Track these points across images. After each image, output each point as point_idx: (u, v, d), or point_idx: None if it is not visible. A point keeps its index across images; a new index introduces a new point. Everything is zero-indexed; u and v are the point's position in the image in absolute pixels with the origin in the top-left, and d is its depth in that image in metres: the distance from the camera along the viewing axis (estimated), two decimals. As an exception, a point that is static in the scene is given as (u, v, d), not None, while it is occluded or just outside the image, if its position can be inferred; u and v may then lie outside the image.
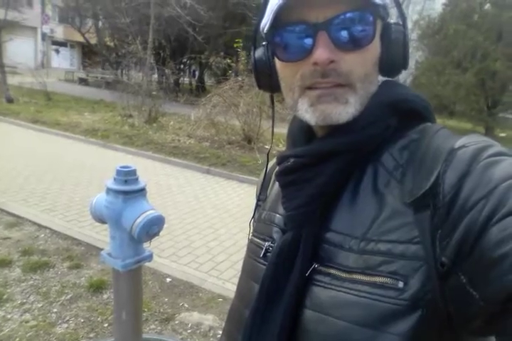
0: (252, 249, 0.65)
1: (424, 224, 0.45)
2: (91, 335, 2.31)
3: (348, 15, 0.49)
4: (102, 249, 3.60)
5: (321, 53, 0.49)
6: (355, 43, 0.50)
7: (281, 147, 8.25)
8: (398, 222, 0.47)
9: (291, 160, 0.57)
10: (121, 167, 1.38)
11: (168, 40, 15.04)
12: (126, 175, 1.37)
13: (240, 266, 2.64)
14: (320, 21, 0.49)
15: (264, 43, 0.60)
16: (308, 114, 0.54)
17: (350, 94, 0.52)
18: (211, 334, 2.43)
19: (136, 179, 1.41)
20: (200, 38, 13.66)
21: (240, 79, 7.89)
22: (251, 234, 0.69)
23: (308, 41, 0.50)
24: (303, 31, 0.51)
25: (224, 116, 7.67)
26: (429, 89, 13.63)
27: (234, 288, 2.62)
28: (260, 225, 0.67)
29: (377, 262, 0.47)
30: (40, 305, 2.53)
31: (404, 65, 0.56)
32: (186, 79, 20.86)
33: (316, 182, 0.54)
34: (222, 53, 19.80)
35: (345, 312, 0.47)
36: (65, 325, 2.38)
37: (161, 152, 6.98)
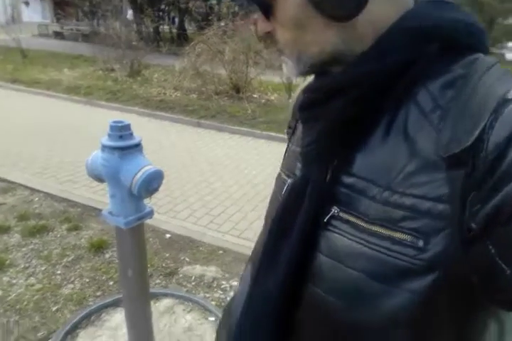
0: (278, 184, 0.64)
1: (456, 182, 0.40)
2: (98, 294, 2.37)
3: None
4: (99, 209, 3.60)
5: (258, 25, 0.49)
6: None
7: (270, 95, 8.04)
8: (428, 175, 0.42)
9: (306, 95, 0.53)
10: (114, 122, 1.32)
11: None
12: (121, 130, 1.31)
13: (236, 218, 2.66)
14: None
15: None
16: None
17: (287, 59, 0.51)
18: (215, 285, 2.50)
19: (131, 134, 1.35)
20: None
21: (222, 24, 7.47)
22: (280, 168, 0.67)
23: None
24: None
25: (210, 64, 7.35)
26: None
27: (233, 240, 2.64)
28: (287, 160, 0.65)
29: (399, 216, 0.43)
30: (43, 269, 2.56)
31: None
32: (166, 28, 19.79)
33: (325, 119, 0.50)
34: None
35: (360, 264, 0.46)
36: (71, 286, 2.42)
37: (147, 106, 6.77)
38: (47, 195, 3.60)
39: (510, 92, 0.39)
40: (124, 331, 1.81)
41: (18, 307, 2.20)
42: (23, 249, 2.76)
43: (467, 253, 0.40)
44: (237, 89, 7.48)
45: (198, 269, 2.64)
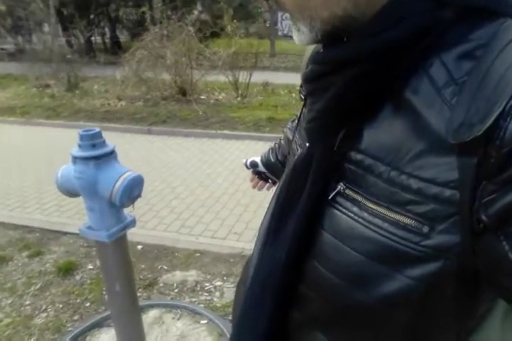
0: (290, 159, 0.62)
1: (468, 170, 0.36)
2: (75, 317, 2.21)
3: None
4: (57, 232, 3.38)
5: None
6: None
7: (217, 95, 7.97)
8: (437, 158, 0.39)
9: (311, 66, 0.50)
10: (84, 131, 1.24)
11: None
12: (93, 139, 1.23)
13: (206, 220, 2.58)
14: None
15: None
16: None
17: (299, 24, 0.48)
18: (198, 288, 2.41)
19: (104, 141, 1.27)
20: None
21: (157, 29, 7.27)
22: (293, 144, 0.65)
23: None
24: None
25: (152, 70, 7.15)
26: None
27: (208, 241, 2.55)
28: (300, 129, 0.61)
29: (405, 199, 0.41)
30: (9, 302, 2.36)
31: None
32: (98, 38, 19.12)
33: (328, 94, 0.46)
34: (130, 3, 18.20)
35: (362, 246, 0.45)
36: (44, 314, 2.24)
37: (93, 119, 6.45)
38: (-1, 223, 3.33)
39: None
40: (113, 351, 1.69)
41: (-12, 346, 2.01)
42: (-18, 284, 2.53)
43: (475, 244, 0.38)
44: (184, 93, 7.34)
45: (178, 275, 2.54)
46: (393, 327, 0.47)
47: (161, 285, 2.46)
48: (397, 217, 0.42)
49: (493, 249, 0.37)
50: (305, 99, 0.61)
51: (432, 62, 0.40)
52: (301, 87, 0.67)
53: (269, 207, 0.63)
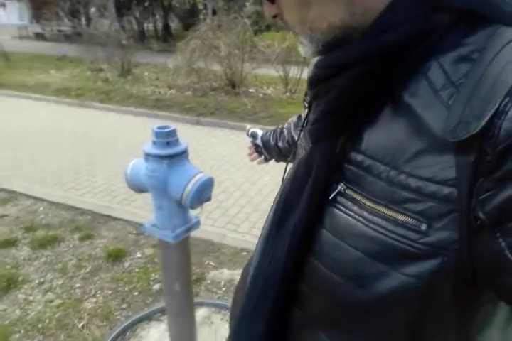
0: (296, 156, 0.65)
1: (464, 168, 0.38)
2: (123, 306, 2.22)
3: None
4: (107, 216, 3.42)
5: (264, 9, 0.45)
6: None
7: (266, 89, 7.89)
8: (435, 156, 0.40)
9: (314, 70, 0.51)
10: (159, 128, 1.19)
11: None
12: (168, 137, 1.19)
13: (254, 217, 2.50)
14: None
15: None
16: None
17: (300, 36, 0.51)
18: (246, 291, 2.37)
19: (178, 140, 1.22)
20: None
21: (208, 21, 7.24)
22: (298, 146, 0.67)
23: None
24: None
25: (204, 60, 7.16)
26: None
27: (254, 240, 2.47)
28: (305, 133, 0.63)
29: (403, 198, 0.42)
30: (60, 283, 2.41)
31: None
32: (150, 25, 19.45)
33: (329, 97, 0.48)
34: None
35: (362, 244, 0.46)
36: (93, 299, 2.27)
37: (143, 106, 6.55)
38: (51, 203, 3.41)
39: None
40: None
41: (40, 326, 2.04)
42: (35, 263, 2.59)
43: (472, 242, 0.39)
44: (233, 85, 7.31)
45: (225, 273, 2.51)
46: (393, 326, 0.48)
47: (209, 281, 2.43)
48: (396, 215, 0.43)
49: (489, 245, 0.37)
50: (309, 106, 0.61)
51: (429, 65, 0.42)
52: (305, 95, 0.68)
53: (271, 208, 0.63)
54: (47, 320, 2.08)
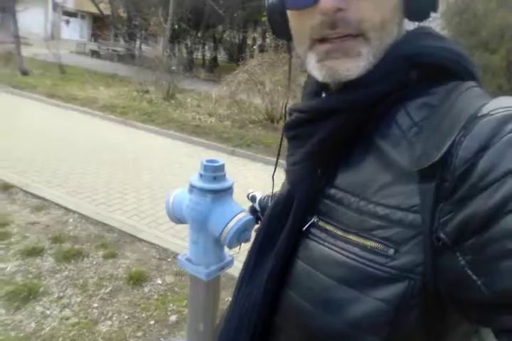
0: (272, 196, 0.70)
1: (427, 194, 0.42)
2: (138, 334, 2.16)
3: None
4: (133, 236, 3.40)
5: (326, 0, 0.44)
6: None
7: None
8: (401, 187, 0.44)
9: (294, 114, 0.55)
10: (208, 161, 1.18)
11: (185, 12, 14.45)
12: (216, 171, 1.17)
13: None
14: None
15: None
16: (315, 70, 0.50)
17: (363, 45, 0.46)
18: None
19: (225, 175, 1.22)
20: (219, 10, 13.02)
21: (258, 58, 7.48)
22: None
23: None
24: None
25: (247, 94, 7.35)
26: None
27: None
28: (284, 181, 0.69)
29: (372, 225, 0.45)
30: (79, 300, 2.38)
31: (433, 6, 0.49)
32: (199, 55, 20.34)
33: (313, 140, 0.52)
34: (236, 27, 19.20)
35: (333, 271, 0.48)
36: (109, 323, 2.22)
37: (182, 131, 6.73)
38: (82, 216, 3.46)
39: (480, 109, 0.41)
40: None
41: (53, 343, 2.00)
42: (57, 276, 2.58)
43: (437, 263, 0.41)
44: (272, 119, 7.43)
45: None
46: None
47: (221, 307, 2.35)
48: (366, 241, 0.46)
49: (451, 265, 0.39)
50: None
51: (397, 111, 0.48)
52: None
53: (249, 249, 0.64)
54: (60, 339, 2.04)
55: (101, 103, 7.95)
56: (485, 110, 0.40)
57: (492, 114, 0.39)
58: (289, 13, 0.52)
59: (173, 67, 8.97)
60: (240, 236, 1.17)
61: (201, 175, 1.19)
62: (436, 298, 0.42)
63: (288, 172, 0.58)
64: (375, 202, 0.45)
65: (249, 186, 4.91)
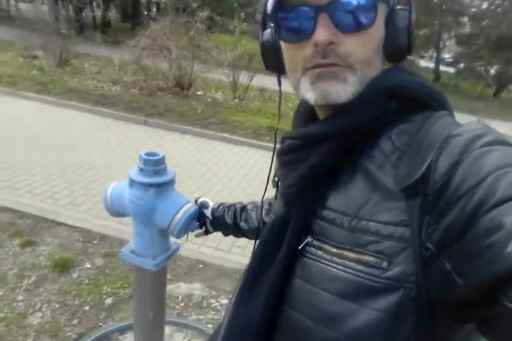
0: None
1: (413, 210, 0.47)
2: (74, 322, 2.09)
3: None
4: (51, 220, 3.18)
5: (321, 34, 0.50)
6: (355, 26, 0.52)
7: (214, 93, 7.86)
8: (389, 204, 0.49)
9: (288, 141, 0.60)
10: (147, 154, 1.13)
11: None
12: (157, 165, 1.13)
13: None
14: (322, 3, 0.51)
15: (271, 25, 0.61)
16: (308, 92, 0.55)
17: (349, 74, 0.53)
18: (205, 305, 2.35)
19: (166, 167, 1.17)
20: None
21: (160, 21, 7.02)
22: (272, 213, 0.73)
23: (310, 23, 0.51)
24: (305, 13, 0.52)
25: (152, 59, 6.95)
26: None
27: (210, 252, 2.49)
28: (276, 203, 0.73)
29: (365, 241, 0.49)
30: (0, 294, 2.20)
31: (408, 51, 0.57)
32: (88, 14, 18.39)
33: (307, 164, 0.56)
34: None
35: (331, 285, 0.51)
36: (39, 314, 2.11)
37: (85, 101, 6.18)
38: (-15, 203, 3.11)
39: (453, 131, 0.47)
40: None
41: (-21, 345, 1.85)
42: (-32, 271, 2.34)
43: (427, 271, 0.45)
44: (181, 87, 7.18)
45: (183, 288, 2.46)
46: None
47: (166, 296, 2.37)
48: (360, 256, 0.49)
49: (439, 272, 0.43)
50: (277, 184, 0.72)
51: (381, 137, 0.54)
52: (274, 176, 0.75)
53: (247, 268, 0.67)
54: (-13, 338, 1.89)
55: (-19, 72, 6.93)
56: (456, 132, 0.47)
57: (462, 134, 0.46)
58: (283, 46, 0.59)
59: (63, 31, 8.03)
60: (187, 226, 1.16)
61: (141, 170, 1.13)
62: (428, 306, 0.46)
63: (283, 194, 0.62)
64: (367, 218, 0.50)
65: (167, 158, 4.76)
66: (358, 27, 0.52)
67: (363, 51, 0.53)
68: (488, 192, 0.40)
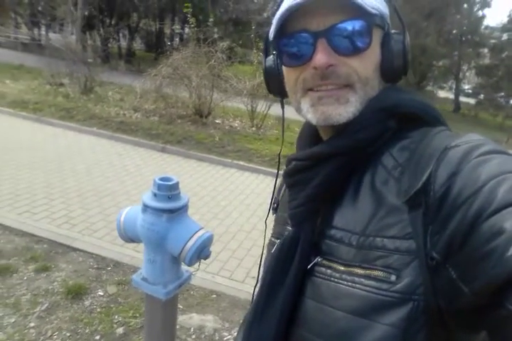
0: (269, 248, 0.71)
1: (417, 221, 0.47)
2: (84, 352, 2.05)
3: (345, 23, 0.53)
4: (66, 246, 3.20)
5: (320, 58, 0.53)
6: (352, 49, 0.54)
7: (232, 121, 7.97)
8: (394, 219, 0.49)
9: (293, 163, 0.61)
10: (161, 179, 1.13)
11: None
12: (171, 190, 1.13)
13: (223, 257, 2.47)
14: (320, 29, 0.54)
15: (273, 52, 0.65)
16: (309, 113, 0.58)
17: (351, 94, 0.55)
18: (217, 338, 2.28)
19: (179, 193, 1.17)
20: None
21: (181, 51, 7.26)
22: (270, 235, 0.74)
23: (310, 48, 0.54)
24: (305, 39, 0.55)
25: (173, 88, 7.14)
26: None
27: (225, 282, 2.45)
28: (276, 226, 0.73)
29: (373, 256, 0.49)
30: (12, 321, 2.19)
31: (404, 72, 0.60)
32: (114, 44, 19.25)
33: (313, 184, 0.57)
34: (153, 16, 18.50)
35: (342, 303, 0.51)
36: (50, 342, 2.08)
37: (107, 128, 6.36)
38: (4, 227, 3.15)
39: (451, 143, 0.49)
40: None
41: (-12, 374, 1.83)
42: (-17, 296, 2.34)
43: (435, 281, 0.45)
44: (200, 114, 7.32)
45: (195, 319, 2.40)
46: None
47: (178, 327, 2.32)
48: (368, 271, 0.49)
49: (445, 280, 0.43)
50: (277, 207, 0.76)
51: (383, 154, 0.56)
52: (274, 203, 0.78)
53: (258, 290, 0.67)
54: (-3, 367, 1.86)
55: (9, 98, 7.21)
56: (454, 143, 0.49)
57: (460, 145, 0.48)
58: (285, 70, 0.62)
59: (90, 60, 8.37)
60: (200, 253, 1.15)
61: (155, 195, 1.13)
62: (439, 318, 0.46)
63: (291, 215, 0.62)
64: (374, 235, 0.50)
65: (183, 186, 4.81)
66: (355, 50, 0.55)
67: (361, 71, 0.55)
68: (487, 199, 0.40)
